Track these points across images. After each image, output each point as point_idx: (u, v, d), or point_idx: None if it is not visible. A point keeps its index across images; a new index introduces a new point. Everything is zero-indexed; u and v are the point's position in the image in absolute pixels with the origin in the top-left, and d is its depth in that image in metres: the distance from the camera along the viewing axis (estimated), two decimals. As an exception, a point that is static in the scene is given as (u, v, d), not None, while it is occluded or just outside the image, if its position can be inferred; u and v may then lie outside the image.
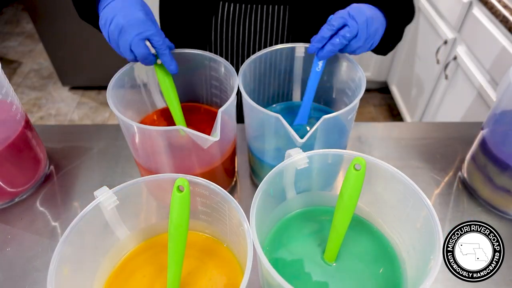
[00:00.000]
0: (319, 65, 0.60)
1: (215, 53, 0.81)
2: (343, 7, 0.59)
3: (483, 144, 0.66)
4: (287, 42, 0.74)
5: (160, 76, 0.60)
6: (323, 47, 0.58)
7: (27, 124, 0.69)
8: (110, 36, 0.55)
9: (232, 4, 0.74)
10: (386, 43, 0.67)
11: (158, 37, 0.55)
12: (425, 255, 0.43)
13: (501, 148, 0.63)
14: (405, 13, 0.69)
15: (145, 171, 0.63)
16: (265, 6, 0.73)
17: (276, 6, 0.73)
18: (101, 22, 0.55)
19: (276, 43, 0.70)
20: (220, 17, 0.76)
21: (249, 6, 0.74)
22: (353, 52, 0.59)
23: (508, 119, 0.62)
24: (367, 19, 0.56)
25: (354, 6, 0.58)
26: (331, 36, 0.57)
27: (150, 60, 0.56)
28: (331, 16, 0.58)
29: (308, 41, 0.61)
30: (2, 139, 0.64)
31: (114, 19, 0.53)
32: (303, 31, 0.76)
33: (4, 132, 0.64)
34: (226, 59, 0.82)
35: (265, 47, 0.76)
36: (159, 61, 0.58)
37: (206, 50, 0.76)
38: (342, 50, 0.59)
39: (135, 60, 0.56)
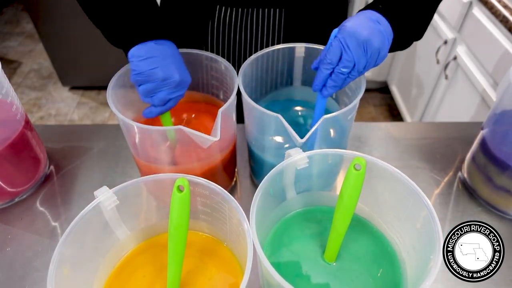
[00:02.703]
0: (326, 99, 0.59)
1: None
2: (338, 10, 0.58)
3: (483, 144, 0.66)
4: None
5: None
6: (325, 85, 0.56)
7: (27, 124, 0.69)
8: (148, 74, 0.52)
9: (228, 9, 0.74)
10: (395, 49, 0.61)
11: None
12: (425, 255, 0.43)
13: (501, 148, 0.63)
14: (414, 28, 0.61)
15: (145, 171, 0.63)
16: (261, 10, 0.73)
17: (272, 10, 0.73)
18: (139, 53, 0.52)
19: (282, 44, 0.70)
20: (216, 21, 0.76)
21: (245, 10, 0.74)
22: (360, 74, 0.56)
23: (508, 119, 0.62)
24: (362, 43, 0.51)
25: (348, 27, 0.52)
26: (331, 72, 0.55)
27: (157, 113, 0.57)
28: (325, 50, 0.54)
29: (305, 42, 0.60)
30: (2, 139, 0.64)
31: (167, 67, 0.52)
32: (299, 34, 0.76)
33: (4, 132, 0.64)
34: None
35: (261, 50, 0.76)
36: None
37: None
38: (348, 78, 0.55)
39: (151, 101, 0.55)
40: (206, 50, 0.81)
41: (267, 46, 0.78)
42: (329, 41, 0.54)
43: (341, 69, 0.53)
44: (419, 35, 0.63)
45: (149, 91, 0.54)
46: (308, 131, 0.52)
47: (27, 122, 0.69)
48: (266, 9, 0.73)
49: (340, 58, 0.53)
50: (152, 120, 0.70)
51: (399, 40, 0.59)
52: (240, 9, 0.74)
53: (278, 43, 0.77)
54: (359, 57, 0.52)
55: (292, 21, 0.75)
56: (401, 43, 0.60)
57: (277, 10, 0.74)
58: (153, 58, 0.52)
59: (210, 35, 0.78)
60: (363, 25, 0.52)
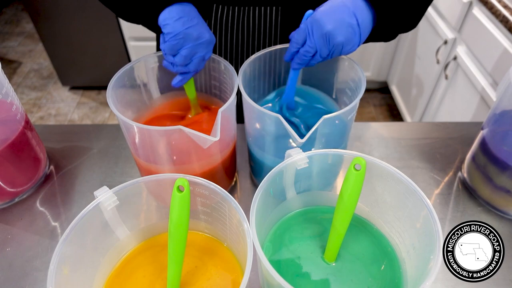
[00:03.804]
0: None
1: None
2: None
3: (483, 144, 0.66)
4: (281, 43, 0.74)
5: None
6: (293, 59, 0.59)
7: (27, 124, 0.69)
8: (184, 34, 0.54)
9: (225, 7, 0.74)
10: (377, 40, 0.63)
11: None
12: (425, 255, 0.43)
13: (501, 148, 0.63)
14: (404, 19, 0.61)
15: (145, 171, 0.63)
16: (257, 8, 0.74)
17: (269, 8, 0.74)
18: (171, 15, 0.54)
19: (270, 45, 0.70)
20: (213, 20, 0.76)
21: (241, 8, 0.74)
22: (325, 59, 0.58)
23: (508, 119, 0.62)
24: (325, 34, 0.53)
25: (318, 15, 0.53)
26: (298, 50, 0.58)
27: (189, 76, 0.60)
28: (293, 33, 0.57)
29: None
30: (2, 139, 0.64)
31: (198, 26, 0.55)
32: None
33: (4, 132, 0.64)
34: None
35: (258, 48, 0.76)
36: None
37: None
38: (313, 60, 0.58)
39: (180, 67, 0.57)
40: None
41: (264, 44, 0.78)
42: (302, 20, 0.57)
43: (304, 52, 0.56)
44: (406, 29, 0.63)
45: (186, 56, 0.55)
46: (308, 131, 0.52)
47: (27, 122, 0.69)
48: (263, 8, 0.73)
49: (305, 42, 0.56)
50: (153, 120, 0.70)
51: (384, 32, 0.60)
52: (236, 8, 0.74)
53: (276, 41, 0.77)
54: (321, 46, 0.54)
55: (289, 19, 0.75)
56: (385, 35, 0.61)
57: (274, 8, 0.74)
58: (184, 18, 0.54)
59: None
60: (333, 16, 0.53)
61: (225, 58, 0.80)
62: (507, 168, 0.62)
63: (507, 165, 0.62)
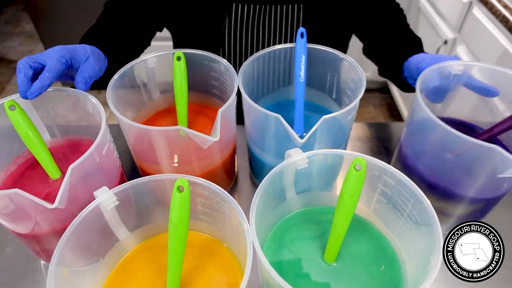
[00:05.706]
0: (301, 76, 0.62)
1: (229, 54, 0.80)
2: (357, 4, 0.57)
3: (403, 159, 0.65)
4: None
5: (177, 72, 0.61)
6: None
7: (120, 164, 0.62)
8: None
9: (245, 5, 0.73)
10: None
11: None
12: (425, 255, 0.43)
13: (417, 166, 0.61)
14: None
15: (145, 171, 0.63)
16: (278, 6, 0.73)
17: (290, 6, 0.72)
18: None
19: (292, 43, 0.70)
20: (234, 19, 0.75)
21: (262, 6, 0.73)
22: None
23: (419, 138, 0.60)
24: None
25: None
26: None
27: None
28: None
29: (323, 38, 0.61)
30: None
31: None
32: (318, 29, 0.75)
33: (109, 181, 0.57)
34: (240, 60, 0.81)
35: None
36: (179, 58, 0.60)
37: (219, 52, 0.75)
38: None
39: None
40: (223, 48, 0.80)
41: (285, 42, 0.76)
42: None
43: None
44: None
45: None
46: (308, 131, 0.52)
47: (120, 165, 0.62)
48: (284, 5, 0.73)
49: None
50: (153, 120, 0.70)
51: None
52: (257, 6, 0.73)
53: None
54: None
55: (310, 16, 0.74)
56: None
57: (295, 5, 0.72)
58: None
59: (227, 33, 0.77)
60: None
61: (245, 57, 0.79)
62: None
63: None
